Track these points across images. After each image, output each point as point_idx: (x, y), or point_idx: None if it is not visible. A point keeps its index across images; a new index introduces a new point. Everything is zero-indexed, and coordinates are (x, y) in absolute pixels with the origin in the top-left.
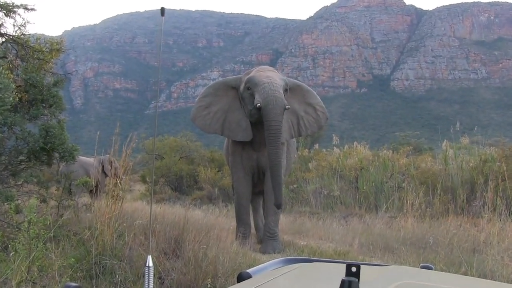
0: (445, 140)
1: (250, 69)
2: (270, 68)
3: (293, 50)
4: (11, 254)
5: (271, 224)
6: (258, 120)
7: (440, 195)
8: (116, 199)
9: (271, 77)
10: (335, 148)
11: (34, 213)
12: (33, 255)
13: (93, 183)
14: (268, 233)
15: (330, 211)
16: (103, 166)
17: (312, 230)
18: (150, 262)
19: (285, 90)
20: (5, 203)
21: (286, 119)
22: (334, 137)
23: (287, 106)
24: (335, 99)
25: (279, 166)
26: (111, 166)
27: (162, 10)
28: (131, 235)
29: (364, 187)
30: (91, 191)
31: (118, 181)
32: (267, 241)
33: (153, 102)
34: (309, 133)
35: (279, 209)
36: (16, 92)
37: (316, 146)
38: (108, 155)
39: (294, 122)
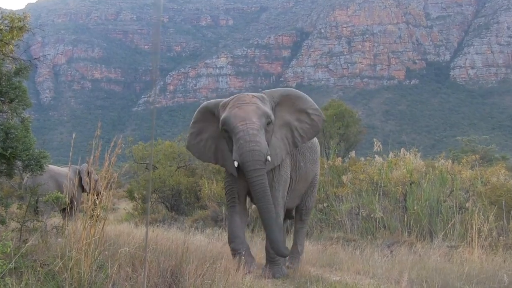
0: None
1: (227, 99)
2: (247, 98)
3: (322, 30)
4: None
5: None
6: None
7: None
8: (96, 220)
9: (247, 119)
10: (376, 156)
11: None
12: None
13: (67, 199)
14: (268, 256)
15: (370, 238)
16: (79, 178)
17: (347, 261)
18: None
19: (268, 121)
20: None
21: (281, 136)
22: (375, 142)
23: (268, 157)
24: (377, 94)
25: (272, 220)
26: (89, 178)
27: None
28: (115, 267)
29: (415, 207)
30: (64, 209)
31: (99, 197)
32: (268, 264)
33: (143, 96)
34: (305, 142)
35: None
36: None
37: (352, 153)
38: (86, 164)
39: (288, 136)
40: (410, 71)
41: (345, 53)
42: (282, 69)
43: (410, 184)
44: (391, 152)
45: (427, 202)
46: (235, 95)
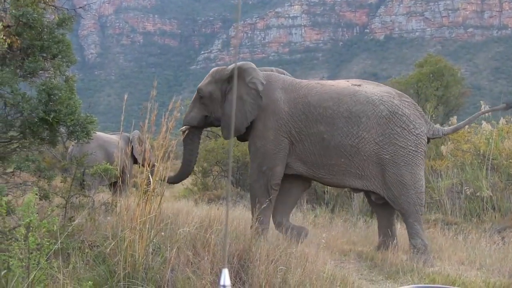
0: None
1: None
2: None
3: None
4: (2, 273)
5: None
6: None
7: None
8: (151, 197)
9: None
10: (483, 122)
11: (35, 213)
12: (33, 275)
13: (118, 171)
14: None
15: (475, 221)
16: (131, 147)
17: (448, 249)
18: (226, 278)
19: (200, 96)
20: None
21: (238, 108)
22: (482, 106)
23: (184, 127)
24: (485, 47)
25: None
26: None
27: None
28: (174, 250)
29: None
30: (113, 183)
31: (154, 170)
32: None
33: (203, 52)
34: (253, 115)
35: None
36: (3, 36)
37: (453, 119)
38: (137, 131)
39: (242, 110)
40: None
41: None
42: (368, 18)
43: None
44: (502, 118)
45: None
46: None
